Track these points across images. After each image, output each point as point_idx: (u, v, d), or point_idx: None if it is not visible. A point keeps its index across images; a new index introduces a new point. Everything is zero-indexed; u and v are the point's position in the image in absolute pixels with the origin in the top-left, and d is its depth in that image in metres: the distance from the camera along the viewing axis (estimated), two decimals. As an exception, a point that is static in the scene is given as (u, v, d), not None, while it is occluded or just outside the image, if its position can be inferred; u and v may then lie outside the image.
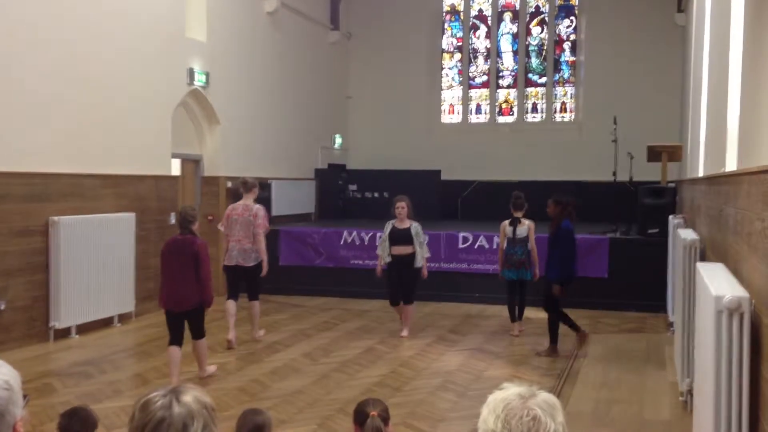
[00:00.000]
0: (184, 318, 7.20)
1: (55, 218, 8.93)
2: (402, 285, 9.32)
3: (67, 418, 3.73)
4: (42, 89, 8.82)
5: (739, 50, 4.78)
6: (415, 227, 9.30)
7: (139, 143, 10.53)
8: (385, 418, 3.76)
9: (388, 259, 9.32)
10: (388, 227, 9.41)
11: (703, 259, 6.18)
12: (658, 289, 10.48)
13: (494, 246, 11.68)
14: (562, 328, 8.64)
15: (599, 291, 11.21)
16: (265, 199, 13.42)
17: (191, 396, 1.76)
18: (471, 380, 7.46)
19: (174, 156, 11.66)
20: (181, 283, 7.01)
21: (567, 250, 8.45)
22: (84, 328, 9.34)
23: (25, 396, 1.88)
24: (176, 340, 7.17)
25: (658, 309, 10.62)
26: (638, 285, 11.02)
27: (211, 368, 7.64)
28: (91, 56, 9.57)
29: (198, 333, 7.32)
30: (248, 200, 9.05)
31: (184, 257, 7.00)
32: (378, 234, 12.16)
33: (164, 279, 7.18)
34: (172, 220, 11.36)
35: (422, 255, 9.31)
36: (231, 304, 8.93)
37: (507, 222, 9.63)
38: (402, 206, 9.30)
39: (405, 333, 9.41)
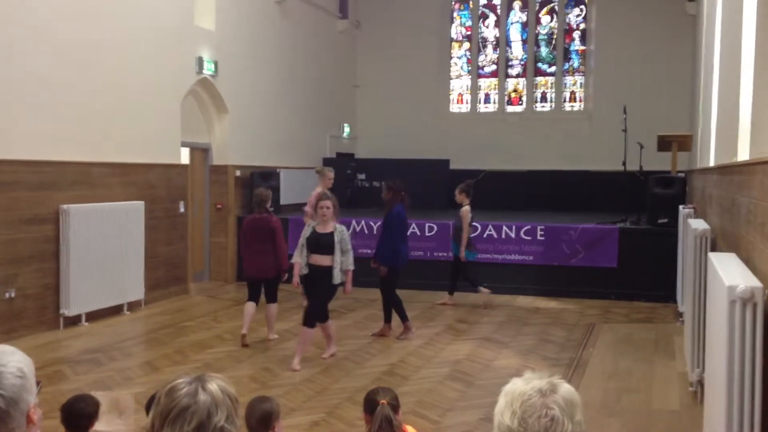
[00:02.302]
0: (262, 284, 8.43)
1: (65, 206, 8.95)
2: (315, 299, 7.73)
3: (73, 404, 3.80)
4: (52, 78, 8.82)
5: (751, 39, 4.74)
6: (339, 232, 7.60)
7: (148, 132, 10.54)
8: (395, 407, 3.76)
9: (305, 270, 7.66)
10: (307, 231, 7.76)
11: (714, 249, 6.14)
12: (668, 279, 10.44)
13: (503, 236, 11.69)
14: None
15: (609, 281, 11.18)
16: (273, 188, 13.42)
17: (216, 385, 1.77)
18: (479, 370, 7.45)
19: (183, 145, 11.66)
20: (263, 255, 8.28)
21: (396, 235, 8.94)
22: (93, 316, 9.38)
23: (38, 383, 1.88)
24: (254, 298, 8.44)
25: (667, 299, 10.59)
26: (648, 275, 10.99)
27: (275, 335, 8.61)
28: (100, 45, 9.57)
29: (272, 297, 8.50)
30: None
31: (264, 233, 8.28)
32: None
33: (248, 251, 8.43)
34: (182, 208, 11.39)
35: (345, 266, 7.63)
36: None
37: (468, 209, 10.37)
38: (327, 206, 7.62)
39: (329, 353, 7.95)
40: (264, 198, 8.47)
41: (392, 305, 8.93)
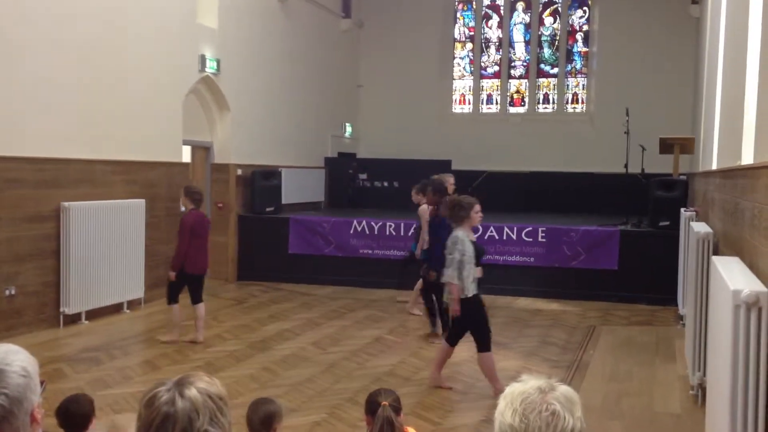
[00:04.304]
0: (193, 282, 8.39)
1: (67, 204, 8.94)
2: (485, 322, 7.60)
3: (68, 405, 3.79)
4: (54, 76, 8.80)
5: (757, 42, 4.73)
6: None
7: (150, 130, 10.53)
8: (397, 408, 3.75)
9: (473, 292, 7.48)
10: (465, 241, 7.39)
11: (716, 252, 6.13)
12: (669, 282, 10.43)
13: (504, 237, 11.67)
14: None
15: (609, 283, 11.17)
16: (274, 187, 13.45)
17: (195, 389, 1.72)
18: (480, 371, 7.42)
19: (184, 143, 11.65)
20: (205, 251, 8.42)
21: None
22: (93, 314, 9.36)
23: (42, 382, 1.87)
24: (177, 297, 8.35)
25: (668, 302, 10.57)
26: (649, 277, 10.97)
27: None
28: (103, 43, 9.55)
29: (200, 296, 8.44)
30: None
31: (205, 230, 8.43)
32: (388, 224, 12.19)
33: (199, 247, 8.30)
34: (183, 207, 11.36)
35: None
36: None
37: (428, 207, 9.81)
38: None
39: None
40: (202, 195, 8.66)
41: (436, 310, 8.74)
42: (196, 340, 8.35)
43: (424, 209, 9.75)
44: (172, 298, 8.33)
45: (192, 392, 1.71)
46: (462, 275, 6.48)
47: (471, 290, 6.53)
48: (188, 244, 8.19)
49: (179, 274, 8.25)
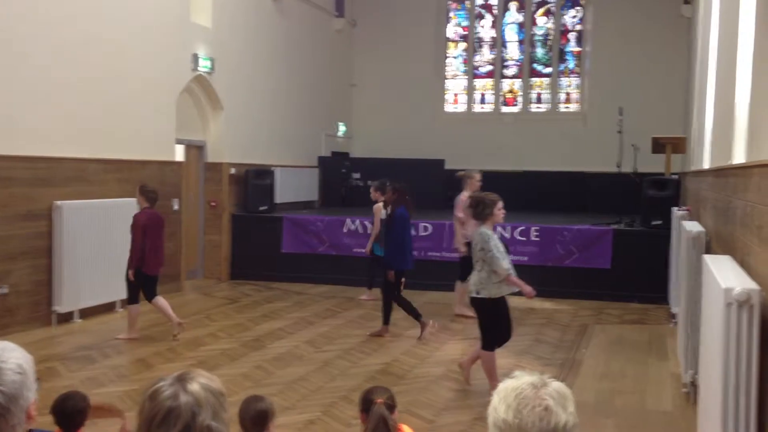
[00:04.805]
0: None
1: (59, 203, 8.92)
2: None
3: (63, 402, 3.79)
4: (46, 73, 8.79)
5: (748, 41, 4.75)
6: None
7: (143, 128, 10.51)
8: (391, 406, 3.76)
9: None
10: (494, 236, 7.34)
11: (708, 251, 6.16)
12: (661, 281, 10.48)
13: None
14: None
15: (602, 282, 11.21)
16: (268, 187, 13.44)
17: (198, 384, 1.74)
18: (473, 369, 7.43)
19: (178, 142, 11.63)
20: (162, 251, 8.53)
21: (404, 237, 8.72)
22: (86, 313, 9.35)
23: (38, 379, 1.87)
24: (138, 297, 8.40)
25: (660, 300, 10.62)
26: (641, 276, 11.01)
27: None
28: (96, 41, 9.54)
29: (155, 292, 8.45)
30: None
31: (161, 229, 8.51)
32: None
33: (153, 247, 8.31)
34: (176, 205, 11.36)
35: None
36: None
37: (382, 205, 10.06)
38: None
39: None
40: (157, 194, 8.61)
41: (402, 307, 8.76)
42: (179, 328, 8.36)
43: (379, 207, 10.15)
44: (133, 299, 8.35)
45: (194, 387, 1.72)
46: (493, 272, 6.41)
47: (501, 291, 6.57)
48: (142, 243, 8.22)
49: (136, 274, 8.27)
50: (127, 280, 8.31)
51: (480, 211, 6.64)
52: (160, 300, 8.43)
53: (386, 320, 8.85)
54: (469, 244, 9.28)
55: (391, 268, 8.59)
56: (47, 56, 8.78)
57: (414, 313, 8.74)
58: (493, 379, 6.55)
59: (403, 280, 8.74)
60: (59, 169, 9.05)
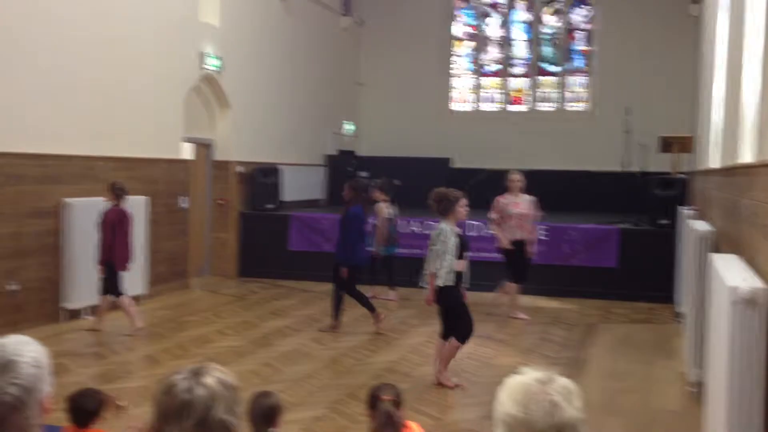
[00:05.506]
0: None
1: (68, 200, 8.97)
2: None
3: (78, 398, 3.81)
4: (55, 72, 8.83)
5: (756, 40, 4.75)
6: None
7: (151, 126, 10.56)
8: (398, 403, 3.79)
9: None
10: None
11: (715, 250, 6.16)
12: (667, 280, 10.47)
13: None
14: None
15: (609, 281, 11.21)
16: (275, 185, 13.47)
17: (213, 378, 1.77)
18: (479, 367, 7.48)
19: (186, 140, 11.68)
20: (129, 247, 8.54)
21: (353, 235, 8.88)
22: (95, 310, 9.37)
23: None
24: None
25: (666, 299, 10.60)
26: (648, 275, 11.01)
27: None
28: (105, 40, 9.57)
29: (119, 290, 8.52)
30: None
31: (128, 225, 8.53)
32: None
33: (125, 244, 8.43)
34: (183, 203, 11.40)
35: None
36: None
37: (385, 205, 10.51)
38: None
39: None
40: (125, 190, 8.61)
41: (358, 301, 9.00)
42: (135, 330, 8.45)
43: (381, 206, 10.49)
44: (113, 291, 8.44)
45: (209, 381, 1.74)
46: (442, 264, 6.60)
47: (447, 281, 6.62)
48: (112, 240, 8.32)
49: (107, 268, 8.37)
50: (102, 277, 8.42)
51: (443, 207, 6.74)
52: (124, 300, 8.52)
53: (336, 315, 8.98)
54: (515, 242, 9.45)
55: (345, 266, 8.76)
56: (56, 55, 8.82)
57: (368, 306, 8.97)
58: (444, 369, 6.77)
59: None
60: (68, 166, 9.10)
